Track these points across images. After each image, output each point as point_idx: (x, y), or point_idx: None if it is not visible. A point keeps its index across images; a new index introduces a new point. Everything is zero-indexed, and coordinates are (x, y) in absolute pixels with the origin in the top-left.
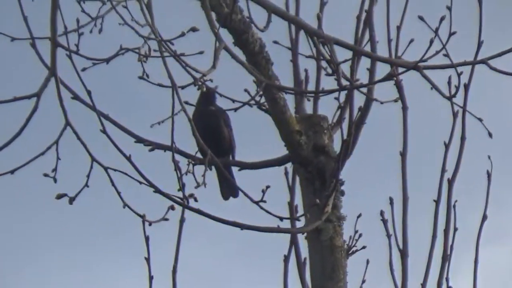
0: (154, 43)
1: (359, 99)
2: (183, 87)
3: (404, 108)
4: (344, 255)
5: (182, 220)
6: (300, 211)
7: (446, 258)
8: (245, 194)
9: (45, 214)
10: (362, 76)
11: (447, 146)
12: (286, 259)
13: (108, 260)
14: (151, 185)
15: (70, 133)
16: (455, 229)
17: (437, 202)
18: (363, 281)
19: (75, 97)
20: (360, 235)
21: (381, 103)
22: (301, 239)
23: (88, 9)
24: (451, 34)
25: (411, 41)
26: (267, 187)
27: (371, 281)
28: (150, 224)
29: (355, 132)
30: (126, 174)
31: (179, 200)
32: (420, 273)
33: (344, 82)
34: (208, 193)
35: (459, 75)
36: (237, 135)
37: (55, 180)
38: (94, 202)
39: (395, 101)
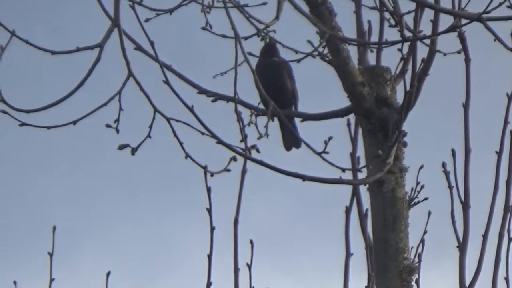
0: None
1: (422, 51)
2: (246, 38)
3: (467, 60)
4: (406, 206)
5: (244, 171)
6: (362, 162)
7: (508, 209)
8: (308, 145)
9: (107, 165)
10: (425, 27)
11: (510, 97)
12: (348, 210)
13: (170, 211)
14: (213, 136)
15: (132, 83)
16: None
17: (499, 153)
18: (425, 233)
19: (138, 48)
20: (422, 187)
21: (444, 54)
22: (363, 190)
23: None
24: None
25: None
26: (330, 138)
27: (433, 232)
28: (212, 175)
29: (418, 83)
30: (188, 124)
31: (241, 151)
32: (481, 225)
33: (407, 34)
34: (271, 144)
35: None
36: (300, 86)
37: (118, 131)
38: (156, 153)
39: (458, 52)
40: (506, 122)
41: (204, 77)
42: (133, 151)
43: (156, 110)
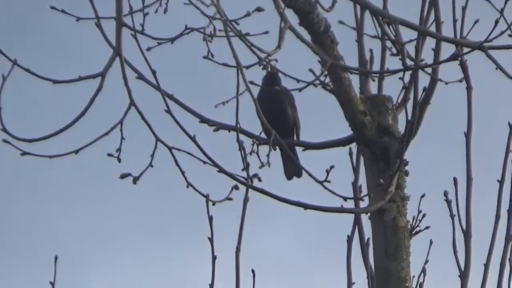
0: (219, 23)
1: (423, 80)
2: (248, 67)
3: (469, 89)
4: (408, 235)
5: (246, 200)
6: (364, 191)
7: (509, 238)
8: (309, 174)
9: (109, 194)
10: (427, 56)
11: (511, 126)
12: (350, 239)
13: (172, 240)
14: (215, 164)
15: (134, 113)
16: None
17: (501, 182)
18: (426, 262)
19: (140, 77)
20: (424, 216)
21: (446, 83)
22: (365, 219)
23: None
24: None
25: (476, 21)
26: (331, 167)
27: (434, 261)
28: (213, 204)
29: (420, 112)
30: (190, 154)
31: (243, 179)
32: (483, 254)
33: (409, 62)
34: (272, 174)
35: None
36: (302, 115)
37: (119, 160)
38: (158, 182)
39: (460, 81)
40: (508, 151)
41: (206, 106)
42: (135, 180)
43: (158, 139)
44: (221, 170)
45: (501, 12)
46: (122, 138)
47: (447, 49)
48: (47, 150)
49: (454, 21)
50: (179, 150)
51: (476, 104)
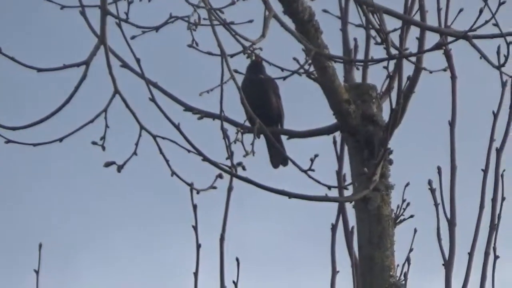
0: (203, 11)
1: (408, 68)
2: (232, 56)
3: (453, 78)
4: (392, 224)
5: (230, 189)
6: (348, 180)
7: (493, 227)
8: (294, 163)
9: (93, 182)
10: (411, 45)
11: (495, 115)
12: (334, 228)
13: (156, 228)
14: (199, 153)
15: (119, 101)
16: (503, 199)
17: (485, 171)
18: (411, 250)
19: (124, 65)
20: (408, 204)
21: (430, 72)
22: (349, 208)
23: None
24: (500, 3)
25: (461, 10)
26: (316, 155)
27: (419, 250)
28: (198, 193)
29: (404, 101)
30: (174, 142)
31: (227, 168)
32: (467, 243)
33: (393, 51)
34: (257, 162)
35: (508, 44)
36: (286, 104)
37: (104, 148)
38: (142, 170)
39: (444, 70)
40: (491, 140)
41: (190, 95)
42: (119, 168)
43: (142, 127)
44: (205, 159)
45: (485, 1)
46: (107, 126)
47: (432, 38)
48: (32, 138)
49: (439, 10)
50: (163, 138)
51: (460, 93)
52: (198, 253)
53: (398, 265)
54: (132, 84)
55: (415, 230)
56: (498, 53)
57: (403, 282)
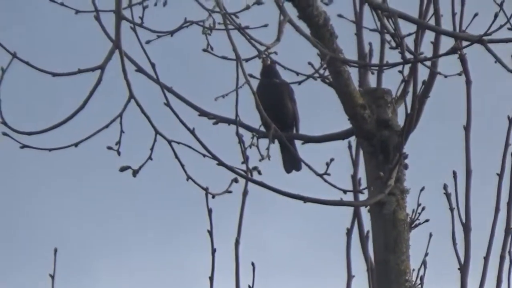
0: (218, 16)
1: (423, 73)
2: (247, 60)
3: (468, 82)
4: (407, 228)
5: (245, 193)
6: (363, 184)
7: (509, 231)
8: (309, 167)
9: (108, 187)
10: (426, 49)
11: (511, 120)
12: (349, 232)
13: (171, 233)
14: (214, 158)
15: (134, 106)
16: None
17: (501, 175)
18: (426, 255)
19: (139, 69)
20: (423, 209)
21: (445, 76)
22: (364, 212)
23: None
24: None
25: (476, 15)
26: (331, 159)
27: (434, 254)
28: (213, 197)
29: (419, 105)
30: (189, 147)
31: (242, 172)
32: (483, 247)
33: (408, 56)
34: (272, 167)
35: None
36: (301, 108)
37: (119, 153)
38: (158, 175)
39: (459, 74)
40: (507, 144)
41: (206, 99)
42: (135, 173)
43: (157, 132)
44: (221, 163)
45: (501, 5)
46: (122, 131)
47: (446, 43)
48: (47, 143)
49: (453, 14)
50: (178, 143)
51: (475, 97)
52: (213, 257)
53: (413, 270)
54: (147, 89)
55: (431, 235)
56: None
57: (419, 286)
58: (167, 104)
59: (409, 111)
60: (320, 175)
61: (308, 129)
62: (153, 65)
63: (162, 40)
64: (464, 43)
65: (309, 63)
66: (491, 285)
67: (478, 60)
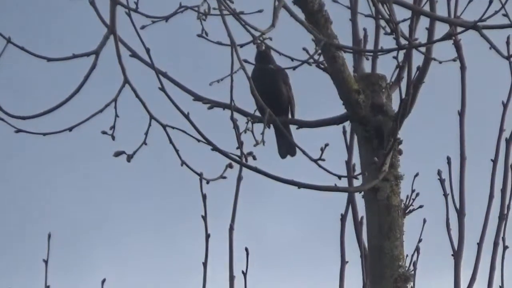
0: (213, 1)
1: (417, 59)
2: (242, 45)
3: (463, 68)
4: (401, 214)
5: (239, 178)
6: (358, 169)
7: (502, 217)
8: (304, 152)
9: (102, 172)
10: (421, 35)
11: (505, 105)
12: (343, 218)
13: (165, 218)
14: (209, 143)
15: (128, 90)
16: None
17: (495, 161)
18: (420, 240)
19: (134, 55)
20: (417, 194)
21: (440, 62)
22: (358, 198)
23: None
24: None
25: (470, 0)
26: (326, 145)
27: (428, 240)
28: (207, 182)
29: (413, 91)
30: (184, 131)
31: (237, 158)
32: (476, 233)
33: (403, 41)
34: (267, 152)
35: None
36: (296, 93)
37: (113, 138)
38: (152, 160)
39: (454, 60)
40: (501, 130)
41: (200, 84)
42: (129, 158)
43: (152, 117)
44: (215, 148)
45: None
46: (116, 115)
47: (441, 29)
48: (41, 127)
49: (448, 0)
50: (173, 128)
51: (469, 83)
52: (207, 243)
53: (407, 255)
54: (141, 73)
55: (424, 220)
56: (507, 43)
57: (412, 272)
58: (162, 89)
59: (403, 96)
60: (315, 161)
61: (302, 114)
62: (147, 50)
63: (157, 25)
64: (459, 29)
65: (304, 49)
66: (484, 272)
67: (472, 46)
